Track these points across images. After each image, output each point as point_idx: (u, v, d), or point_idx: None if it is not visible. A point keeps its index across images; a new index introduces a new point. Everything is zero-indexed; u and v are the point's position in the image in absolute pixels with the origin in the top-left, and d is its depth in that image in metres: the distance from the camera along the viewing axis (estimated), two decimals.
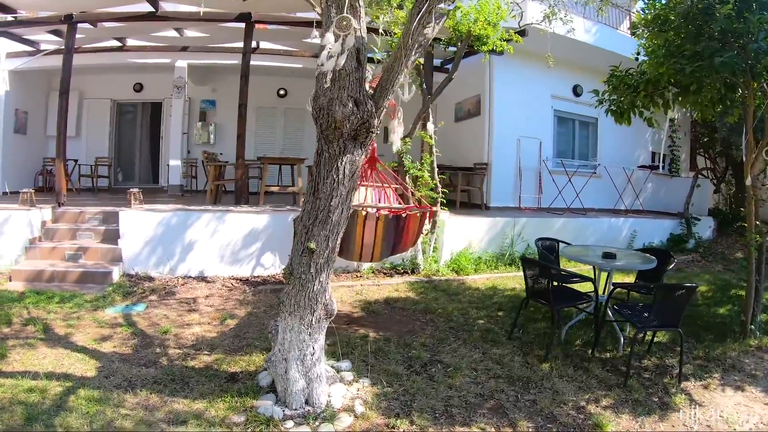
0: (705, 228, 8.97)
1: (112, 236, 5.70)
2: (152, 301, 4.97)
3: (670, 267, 4.28)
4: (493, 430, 2.65)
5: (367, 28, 2.55)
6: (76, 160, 8.92)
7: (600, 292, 4.30)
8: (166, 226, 5.80)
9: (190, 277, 5.81)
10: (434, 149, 6.55)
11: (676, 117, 10.09)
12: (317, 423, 2.63)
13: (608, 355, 3.78)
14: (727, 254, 7.94)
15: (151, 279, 5.62)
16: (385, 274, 6.33)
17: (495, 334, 4.14)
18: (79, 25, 6.30)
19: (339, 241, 2.67)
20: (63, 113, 6.20)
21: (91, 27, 6.63)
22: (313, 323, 2.70)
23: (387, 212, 3.39)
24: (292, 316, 2.68)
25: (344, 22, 2.13)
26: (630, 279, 6.27)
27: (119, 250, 5.57)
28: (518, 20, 6.34)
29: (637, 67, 4.24)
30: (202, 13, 5.53)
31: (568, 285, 4.57)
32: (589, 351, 3.78)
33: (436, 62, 9.74)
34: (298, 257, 2.64)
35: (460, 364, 3.49)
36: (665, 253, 4.55)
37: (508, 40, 6.29)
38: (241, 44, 8.58)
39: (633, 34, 4.53)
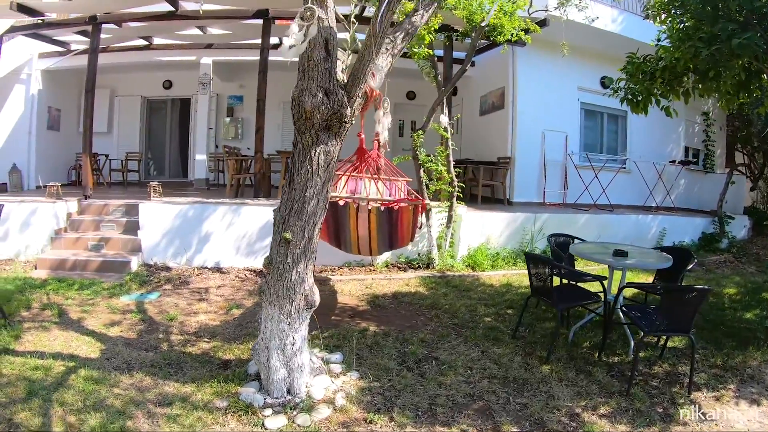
0: (740, 227, 8.41)
1: (132, 228, 5.98)
2: (166, 290, 5.18)
3: (689, 267, 4.01)
4: (473, 431, 2.59)
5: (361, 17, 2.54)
6: (107, 155, 9.40)
7: (613, 291, 4.12)
8: (183, 218, 6.02)
9: (205, 267, 6.01)
10: (450, 142, 6.45)
11: (710, 110, 9.50)
12: (294, 413, 2.66)
13: (616, 359, 3.61)
14: (762, 255, 7.41)
15: (168, 269, 5.86)
16: (399, 268, 6.31)
17: (499, 333, 4.05)
18: (104, 25, 6.61)
19: (317, 232, 2.68)
20: (89, 111, 6.54)
21: (117, 27, 6.94)
22: (293, 313, 2.72)
23: (379, 204, 3.37)
24: (272, 306, 2.72)
25: (308, 12, 2.12)
26: (650, 279, 6.00)
27: (139, 241, 5.84)
28: (529, 8, 6.12)
29: (655, 53, 4.00)
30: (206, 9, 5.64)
31: (580, 284, 4.42)
32: (596, 354, 3.63)
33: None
34: (276, 247, 2.67)
35: (456, 362, 3.43)
36: (685, 253, 4.24)
37: (526, 30, 6.10)
38: (246, 42, 8.85)
39: (646, 17, 4.25)
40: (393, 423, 2.63)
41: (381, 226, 3.55)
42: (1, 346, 3.41)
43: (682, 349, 3.81)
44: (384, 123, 3.18)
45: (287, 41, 2.19)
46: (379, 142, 5.86)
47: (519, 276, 6.09)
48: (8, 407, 2.64)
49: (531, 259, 3.76)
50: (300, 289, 2.70)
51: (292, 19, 6.69)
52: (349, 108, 2.43)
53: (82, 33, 7.33)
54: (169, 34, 8.39)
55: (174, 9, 6.34)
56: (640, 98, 3.99)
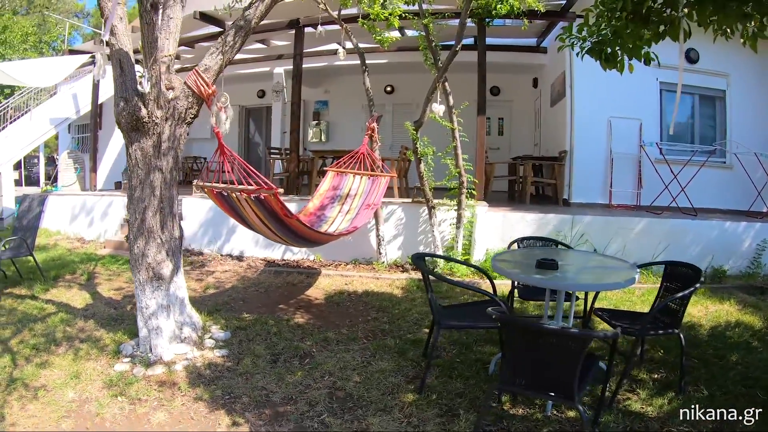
0: None
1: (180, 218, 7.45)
2: (186, 271, 6.26)
3: (678, 295, 3.08)
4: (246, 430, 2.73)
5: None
6: (205, 158, 11.56)
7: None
8: (215, 212, 7.24)
9: (230, 255, 7.13)
10: (457, 133, 6.28)
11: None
12: (138, 366, 3.35)
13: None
14: None
15: (201, 254, 7.15)
16: (403, 269, 6.42)
17: (414, 347, 3.81)
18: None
19: (149, 215, 3.29)
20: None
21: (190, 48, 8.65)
22: (143, 282, 3.39)
23: (239, 193, 3.75)
24: (133, 274, 3.44)
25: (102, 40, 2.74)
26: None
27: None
28: None
29: None
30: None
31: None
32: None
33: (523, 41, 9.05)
34: (127, 227, 3.37)
35: (325, 365, 3.47)
36: (692, 271, 3.27)
37: None
38: (328, 47, 9.79)
39: None
40: (202, 399, 3.04)
41: (265, 214, 3.93)
42: (30, 293, 4.93)
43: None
44: (221, 118, 3.57)
45: (95, 68, 2.87)
46: (370, 138, 6.20)
47: None
48: (7, 326, 4.07)
49: (418, 262, 3.43)
50: (143, 262, 3.35)
51: (319, 25, 7.21)
52: (144, 110, 2.97)
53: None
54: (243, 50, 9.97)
55: (222, 29, 7.65)
56: (610, 46, 3.10)
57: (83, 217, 8.23)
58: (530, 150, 10.09)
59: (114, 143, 11.06)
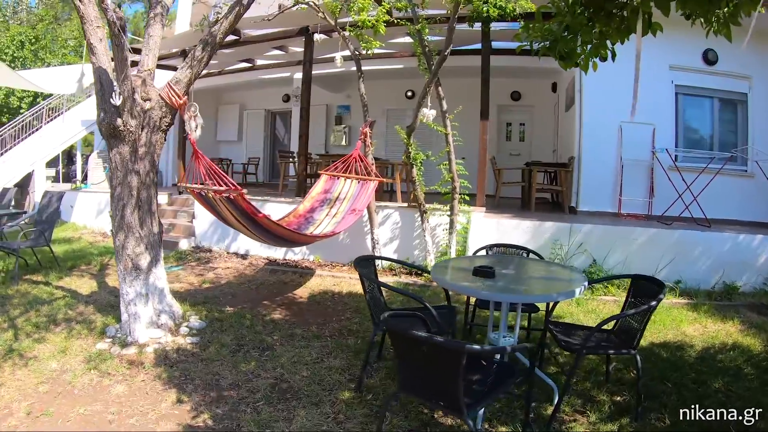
0: None
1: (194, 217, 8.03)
2: (191, 266, 6.90)
3: (644, 307, 2.91)
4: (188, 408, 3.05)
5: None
6: (230, 160, 12.24)
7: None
8: None
9: (236, 253, 7.60)
10: (450, 138, 6.40)
11: None
12: (115, 346, 3.81)
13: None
14: None
15: (210, 251, 7.67)
16: (394, 273, 6.59)
17: (372, 348, 3.73)
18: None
19: (128, 212, 3.72)
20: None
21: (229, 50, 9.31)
22: (123, 272, 3.82)
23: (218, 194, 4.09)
24: (117, 265, 3.90)
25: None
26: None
27: (193, 228, 7.82)
28: None
29: None
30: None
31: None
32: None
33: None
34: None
35: (280, 358, 3.73)
36: (656, 286, 3.06)
37: None
38: (347, 53, 10.16)
39: None
40: (162, 376, 3.41)
41: (239, 214, 4.27)
42: (45, 280, 5.58)
43: None
44: (191, 126, 3.92)
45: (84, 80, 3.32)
46: (363, 142, 6.46)
47: None
48: (17, 306, 4.68)
49: (361, 265, 3.47)
50: (123, 254, 3.78)
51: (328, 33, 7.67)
52: (120, 119, 3.38)
53: None
54: (262, 56, 10.55)
55: (238, 37, 8.19)
56: (567, 45, 2.88)
57: (108, 213, 9.00)
58: (549, 156, 9.96)
59: None
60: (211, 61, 9.75)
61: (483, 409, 2.80)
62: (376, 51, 10.68)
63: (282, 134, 14.26)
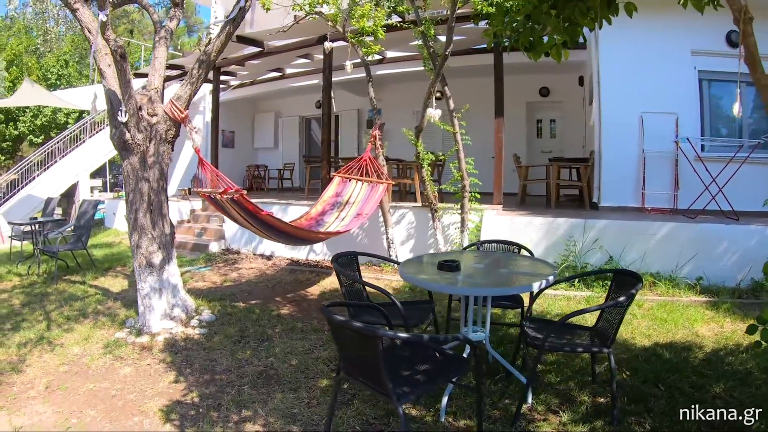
0: None
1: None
2: (218, 266, 7.47)
3: (615, 301, 2.90)
4: (183, 386, 3.51)
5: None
6: (266, 166, 12.90)
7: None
8: None
9: (262, 255, 8.11)
10: (459, 136, 6.53)
11: None
12: (132, 335, 4.29)
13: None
14: None
15: (238, 253, 8.23)
16: None
17: None
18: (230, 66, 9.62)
19: (141, 215, 4.20)
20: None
21: (240, 66, 9.93)
22: (138, 269, 4.31)
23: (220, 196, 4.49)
24: (133, 262, 4.41)
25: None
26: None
27: (223, 231, 8.43)
28: None
29: None
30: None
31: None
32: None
33: None
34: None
35: (275, 348, 4.06)
36: (635, 281, 2.93)
37: None
38: (375, 56, 10.52)
39: None
40: (165, 361, 3.85)
41: (245, 213, 4.66)
42: (81, 280, 6.30)
43: None
44: (195, 138, 4.32)
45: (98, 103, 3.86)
46: (372, 144, 6.75)
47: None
48: (54, 302, 5.35)
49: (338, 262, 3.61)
50: (138, 252, 4.28)
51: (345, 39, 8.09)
52: (128, 134, 3.88)
53: (227, 73, 10.71)
54: (289, 65, 11.13)
55: (262, 48, 8.73)
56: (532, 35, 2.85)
57: None
58: (580, 152, 9.76)
59: (185, 155, 12.78)
60: (243, 72, 10.46)
61: (446, 402, 2.94)
62: (401, 54, 11.04)
63: (318, 139, 14.83)
